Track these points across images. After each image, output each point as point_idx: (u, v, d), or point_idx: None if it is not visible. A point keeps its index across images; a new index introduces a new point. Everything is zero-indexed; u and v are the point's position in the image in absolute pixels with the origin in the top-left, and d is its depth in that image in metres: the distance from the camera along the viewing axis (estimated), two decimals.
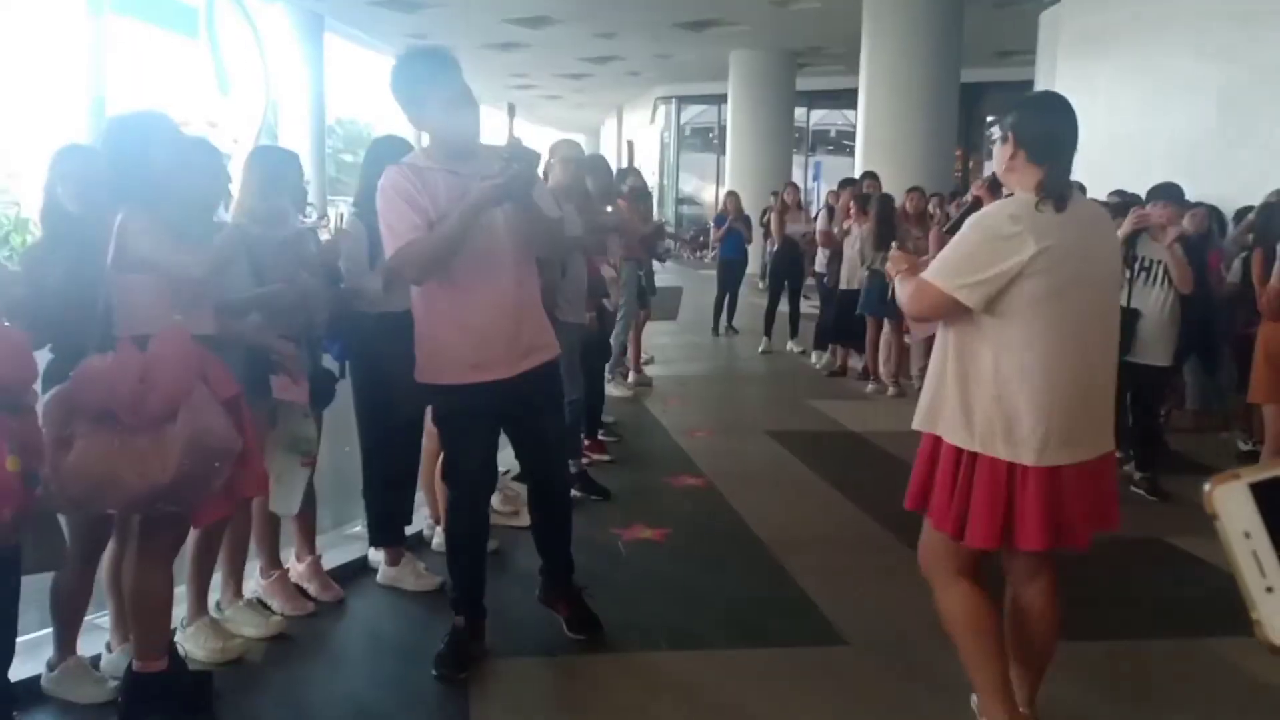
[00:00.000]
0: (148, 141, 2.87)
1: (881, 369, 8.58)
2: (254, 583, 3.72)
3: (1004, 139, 2.60)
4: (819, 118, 26.56)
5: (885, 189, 9.02)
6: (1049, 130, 2.56)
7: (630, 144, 15.92)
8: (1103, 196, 6.23)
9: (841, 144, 25.74)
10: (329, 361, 3.92)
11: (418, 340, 3.23)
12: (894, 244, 3.11)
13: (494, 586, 3.51)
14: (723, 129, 24.02)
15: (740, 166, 21.19)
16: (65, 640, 3.05)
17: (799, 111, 23.45)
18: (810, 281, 10.72)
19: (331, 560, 4.07)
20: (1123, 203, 6.25)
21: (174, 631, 3.15)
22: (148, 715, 2.84)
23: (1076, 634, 3.04)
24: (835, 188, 10.41)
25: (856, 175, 10.53)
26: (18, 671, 2.70)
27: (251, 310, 3.28)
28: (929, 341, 3.25)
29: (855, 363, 9.33)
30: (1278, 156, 7.48)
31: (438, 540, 4.33)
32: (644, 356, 9.14)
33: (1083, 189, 2.69)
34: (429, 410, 3.87)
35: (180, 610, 3.28)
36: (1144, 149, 8.92)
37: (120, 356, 2.64)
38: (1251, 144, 7.95)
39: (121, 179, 2.87)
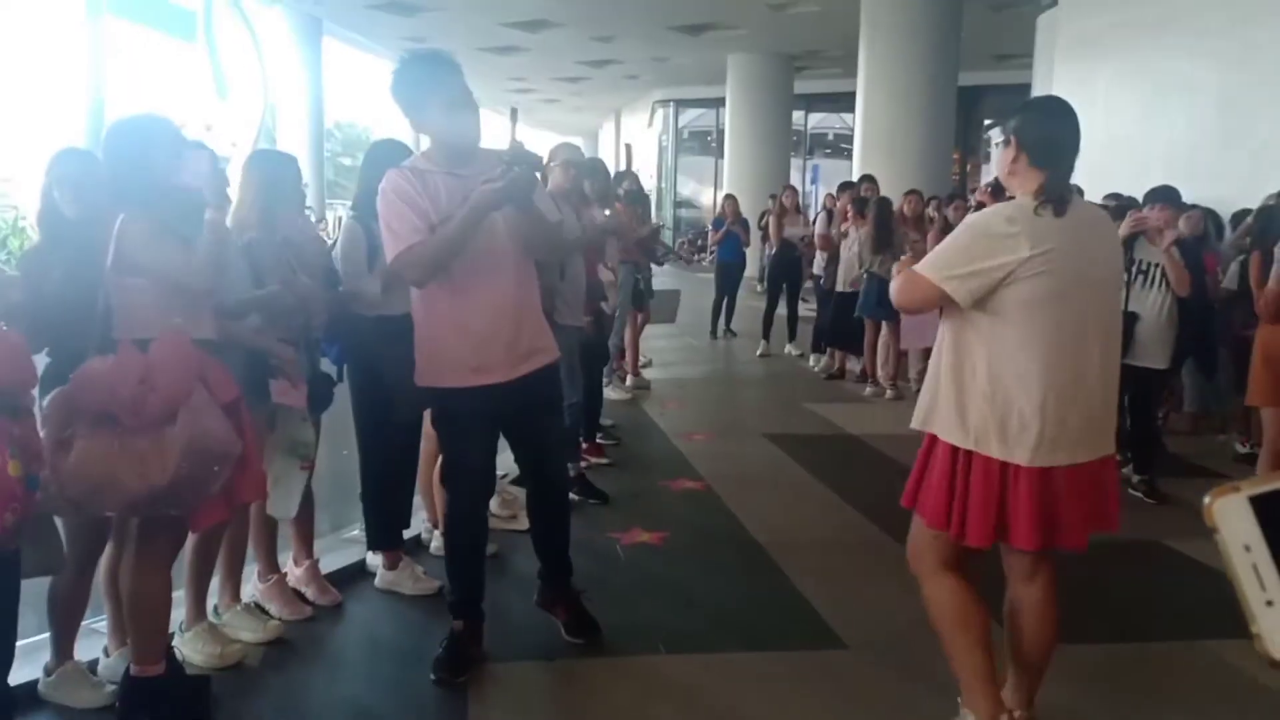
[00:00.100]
0: (148, 145, 2.87)
1: (880, 372, 8.58)
2: (251, 587, 3.72)
3: (1006, 142, 2.62)
4: (817, 121, 26.58)
5: (883, 192, 9.02)
6: (1051, 135, 2.57)
7: (628, 147, 15.93)
8: (1099, 199, 6.23)
9: (839, 147, 25.75)
10: (327, 365, 3.92)
11: (418, 343, 3.23)
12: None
13: (492, 590, 3.51)
14: (721, 132, 24.03)
15: (738, 170, 21.20)
16: (62, 644, 3.04)
17: (797, 115, 23.48)
18: (808, 284, 10.73)
19: (329, 564, 4.07)
20: (1120, 206, 6.25)
21: (172, 636, 3.14)
22: None
23: (1075, 636, 3.04)
24: (834, 191, 10.42)
25: (855, 178, 10.54)
26: (15, 676, 2.69)
27: (250, 313, 3.28)
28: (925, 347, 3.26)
29: (853, 365, 9.33)
30: (1275, 159, 7.48)
31: (436, 544, 4.33)
32: (642, 359, 9.14)
33: (1080, 192, 2.69)
34: (427, 413, 3.87)
35: (178, 614, 3.28)
36: (1142, 152, 8.93)
37: (121, 358, 2.64)
38: (1249, 146, 7.96)
39: (121, 182, 2.87)
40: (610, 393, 7.56)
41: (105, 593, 3.18)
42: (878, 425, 7.25)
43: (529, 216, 3.12)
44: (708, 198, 27.53)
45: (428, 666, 3.25)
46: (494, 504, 4.27)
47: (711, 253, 13.75)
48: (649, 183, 26.07)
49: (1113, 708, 3.16)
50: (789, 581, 4.18)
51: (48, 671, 3.03)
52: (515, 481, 4.65)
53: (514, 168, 2.93)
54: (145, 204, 2.82)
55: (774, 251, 10.94)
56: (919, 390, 2.78)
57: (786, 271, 10.71)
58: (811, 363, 10.07)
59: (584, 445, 5.77)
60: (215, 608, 3.52)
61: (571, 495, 4.28)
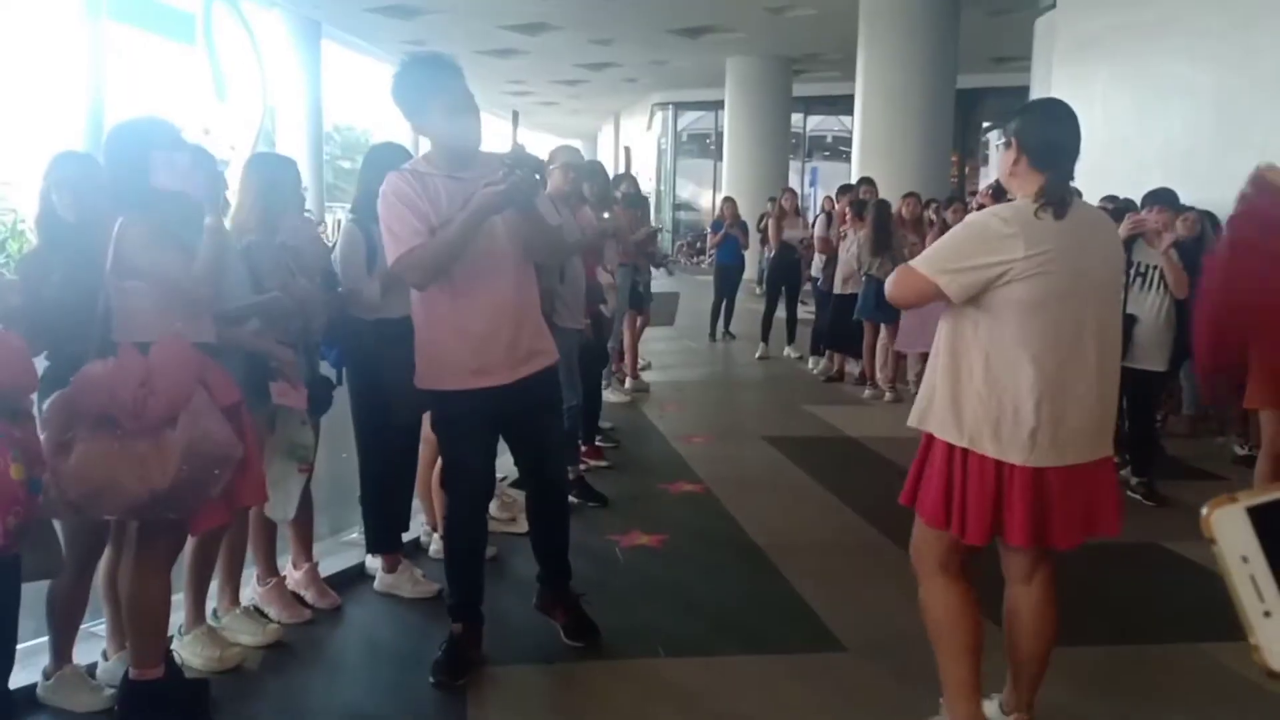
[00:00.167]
0: (148, 148, 2.87)
1: (878, 374, 8.58)
2: (251, 590, 3.72)
3: (1007, 144, 2.63)
4: (815, 123, 26.59)
5: (881, 194, 9.02)
6: (1052, 137, 2.58)
7: (627, 150, 15.94)
8: (1096, 201, 6.23)
9: (838, 150, 25.77)
10: (326, 368, 3.91)
11: (418, 346, 3.23)
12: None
13: (492, 593, 3.50)
14: (719, 135, 24.04)
15: (737, 172, 21.21)
16: (61, 648, 3.04)
17: (795, 117, 23.47)
18: (807, 287, 10.73)
19: (328, 567, 4.07)
20: (1117, 208, 6.26)
21: (171, 639, 3.14)
22: None
23: (1074, 638, 3.04)
24: (834, 193, 10.42)
25: (853, 181, 10.54)
26: (13, 680, 2.69)
27: (250, 318, 3.28)
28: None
29: (852, 368, 9.33)
30: (1274, 161, 7.47)
31: (435, 547, 4.33)
32: (641, 362, 9.14)
33: (1079, 194, 2.70)
34: (426, 417, 3.87)
35: (177, 617, 3.28)
36: (1139, 154, 8.92)
37: (121, 361, 2.64)
38: (1246, 149, 7.93)
39: (121, 185, 2.87)
40: (609, 395, 7.56)
41: (104, 596, 3.17)
42: (877, 427, 7.25)
43: (530, 219, 3.12)
44: (706, 200, 27.53)
45: (427, 669, 3.24)
46: (493, 507, 4.26)
47: (710, 255, 13.74)
48: (648, 185, 26.08)
49: (1111, 710, 3.16)
50: (788, 584, 4.18)
51: (46, 675, 3.03)
52: (515, 484, 4.65)
53: (516, 171, 2.94)
54: (145, 207, 2.82)
55: (773, 254, 10.95)
56: (918, 392, 2.79)
57: (785, 274, 10.71)
58: (810, 365, 10.07)
59: (583, 448, 5.77)
60: (214, 611, 3.52)
61: (570, 498, 4.28)
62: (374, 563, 4.10)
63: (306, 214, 4.28)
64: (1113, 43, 9.76)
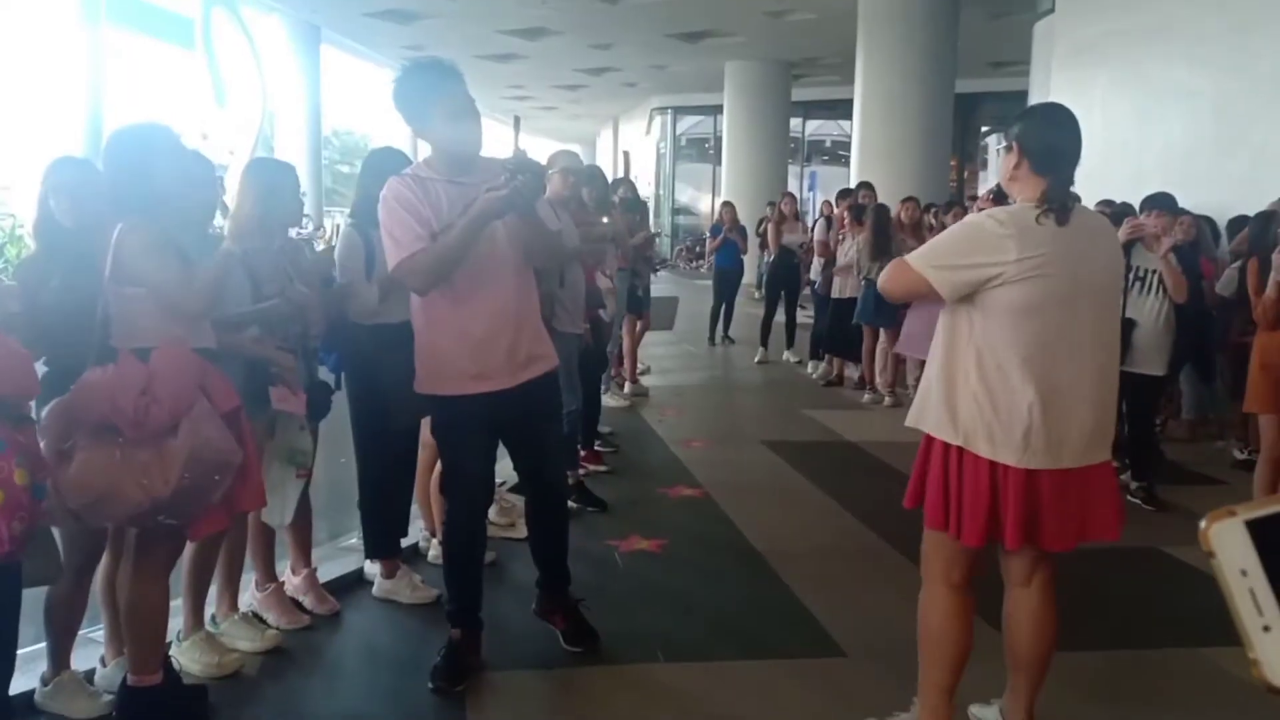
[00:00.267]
0: (149, 153, 2.88)
1: (878, 379, 8.58)
2: (249, 596, 3.71)
3: (1009, 148, 2.63)
4: (814, 128, 26.64)
5: (880, 199, 9.03)
6: (1054, 142, 2.59)
7: (626, 155, 15.94)
8: (1093, 206, 6.23)
9: (837, 154, 25.81)
10: (325, 373, 3.91)
11: (418, 351, 3.23)
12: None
13: (491, 598, 3.50)
14: (718, 139, 24.07)
15: (736, 177, 21.24)
16: (59, 654, 3.03)
17: (794, 122, 23.51)
18: (807, 291, 10.73)
19: (327, 573, 4.06)
20: (1115, 213, 6.26)
21: (169, 645, 3.13)
22: None
23: (1073, 643, 3.03)
24: (833, 198, 10.43)
25: (852, 185, 10.55)
26: (11, 686, 2.68)
27: (250, 323, 3.28)
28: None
29: (851, 372, 9.33)
30: (1272, 165, 7.49)
31: (434, 552, 4.32)
32: (640, 367, 9.13)
33: (1078, 199, 2.70)
34: (425, 422, 3.87)
35: (175, 623, 3.27)
36: (1138, 158, 8.93)
37: (122, 369, 2.64)
38: (1245, 153, 7.97)
39: (121, 190, 2.87)
40: (608, 400, 7.56)
41: (102, 602, 3.17)
42: (876, 432, 7.25)
43: (530, 225, 3.12)
44: (705, 205, 27.56)
45: (425, 675, 3.23)
46: (492, 512, 4.25)
47: (709, 260, 13.74)
48: (647, 190, 26.10)
49: (1111, 714, 3.15)
50: (787, 589, 4.18)
51: (44, 681, 3.02)
52: (514, 489, 4.64)
53: (517, 176, 2.93)
54: (145, 212, 2.82)
55: (772, 259, 10.95)
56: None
57: (785, 279, 10.72)
58: (810, 369, 10.08)
59: (582, 453, 5.76)
60: (213, 617, 3.51)
61: (570, 503, 4.27)
62: (373, 568, 4.09)
63: (306, 218, 4.28)
64: (1111, 47, 9.77)
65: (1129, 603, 4.10)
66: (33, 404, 2.66)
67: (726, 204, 12.65)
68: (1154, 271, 5.26)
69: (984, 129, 24.29)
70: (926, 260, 2.58)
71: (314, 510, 3.89)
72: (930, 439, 2.66)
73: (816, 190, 23.58)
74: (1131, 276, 5.27)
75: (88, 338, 2.78)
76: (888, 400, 8.39)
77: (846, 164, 16.96)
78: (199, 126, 12.21)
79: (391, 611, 3.93)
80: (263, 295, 3.33)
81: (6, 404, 2.44)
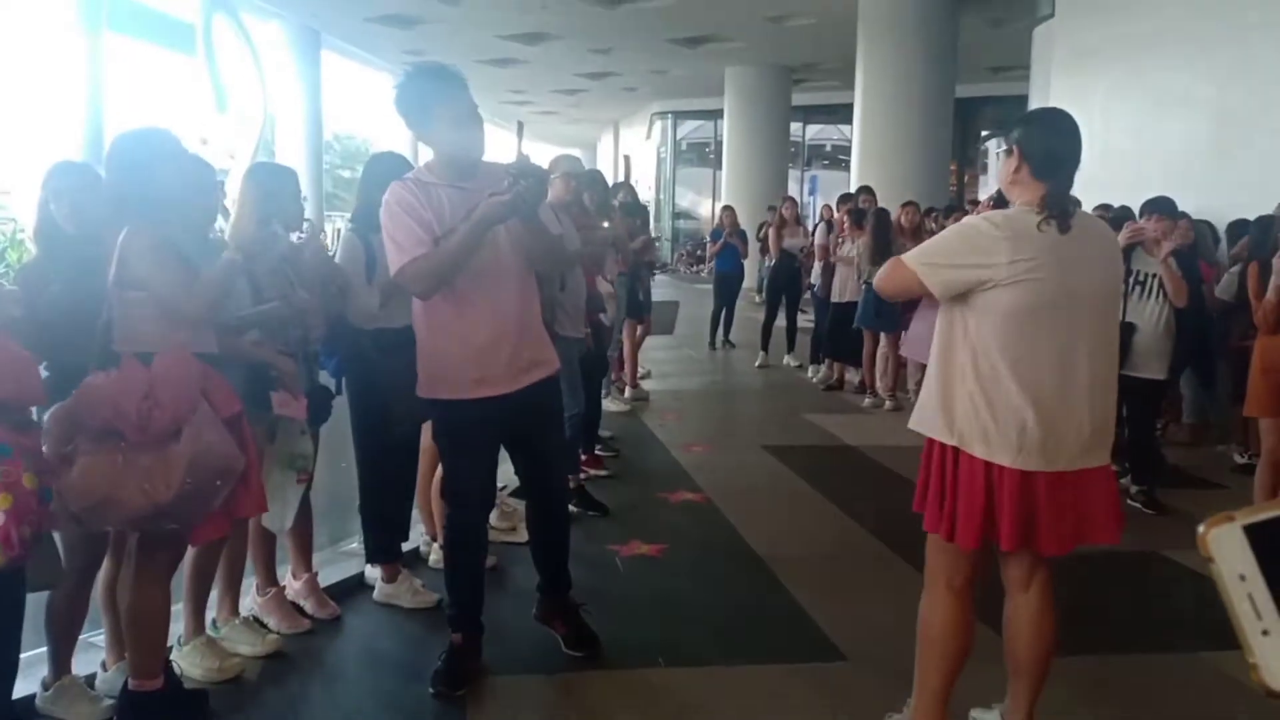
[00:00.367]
0: (152, 158, 2.88)
1: (878, 383, 8.58)
2: (250, 600, 3.71)
3: (1009, 152, 2.64)
4: (814, 132, 26.67)
5: (880, 203, 9.04)
6: (1054, 147, 2.60)
7: (627, 159, 15.93)
8: (1091, 210, 6.24)
9: (837, 158, 25.84)
10: (325, 378, 3.91)
11: (420, 356, 3.23)
12: None
13: (492, 603, 3.49)
14: (719, 144, 24.10)
15: (736, 181, 21.26)
16: (60, 659, 3.03)
17: (794, 126, 23.54)
18: (807, 295, 10.73)
19: (328, 577, 4.06)
20: (1114, 217, 6.26)
21: (170, 650, 3.13)
22: None
23: (1073, 648, 3.03)
24: (834, 202, 10.43)
25: (852, 189, 10.56)
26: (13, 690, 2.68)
27: (251, 327, 3.28)
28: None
29: (852, 377, 9.33)
30: (1272, 169, 7.49)
31: (434, 557, 4.32)
32: (641, 371, 9.14)
33: (1078, 204, 2.71)
34: (426, 427, 3.87)
35: (176, 628, 3.27)
36: (1138, 163, 8.93)
37: (125, 373, 2.64)
38: (1246, 157, 7.97)
39: (124, 195, 2.87)
40: (609, 404, 7.56)
41: (103, 606, 3.17)
42: (877, 436, 7.25)
43: (533, 229, 3.12)
44: (706, 209, 27.60)
45: (426, 680, 3.23)
46: (493, 516, 4.25)
47: (709, 264, 13.76)
48: (647, 194, 26.12)
49: (1111, 719, 3.15)
50: (788, 593, 4.17)
51: (45, 686, 3.02)
52: (515, 493, 4.64)
53: (521, 181, 2.94)
54: (148, 217, 2.82)
55: (773, 263, 10.96)
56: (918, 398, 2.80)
57: (786, 283, 10.72)
58: (810, 374, 10.08)
59: (583, 457, 5.76)
60: (214, 621, 3.51)
61: (571, 507, 4.27)
62: (373, 573, 4.09)
63: (307, 222, 4.28)
64: (1111, 52, 9.78)
65: (1129, 607, 4.10)
66: (33, 408, 2.67)
67: (727, 208, 12.66)
68: (1154, 276, 5.26)
69: (984, 134, 24.31)
70: (920, 258, 2.61)
71: (315, 515, 3.89)
72: (931, 441, 2.67)
73: (817, 194, 23.58)
74: (1131, 281, 5.27)
75: (88, 342, 2.78)
76: (888, 404, 8.39)
77: (847, 168, 16.97)
78: (199, 131, 12.22)
79: (392, 616, 3.92)
80: (263, 299, 3.33)
81: (11, 408, 2.45)
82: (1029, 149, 2.59)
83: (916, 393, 3.18)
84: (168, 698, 2.89)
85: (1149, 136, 9.15)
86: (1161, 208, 5.47)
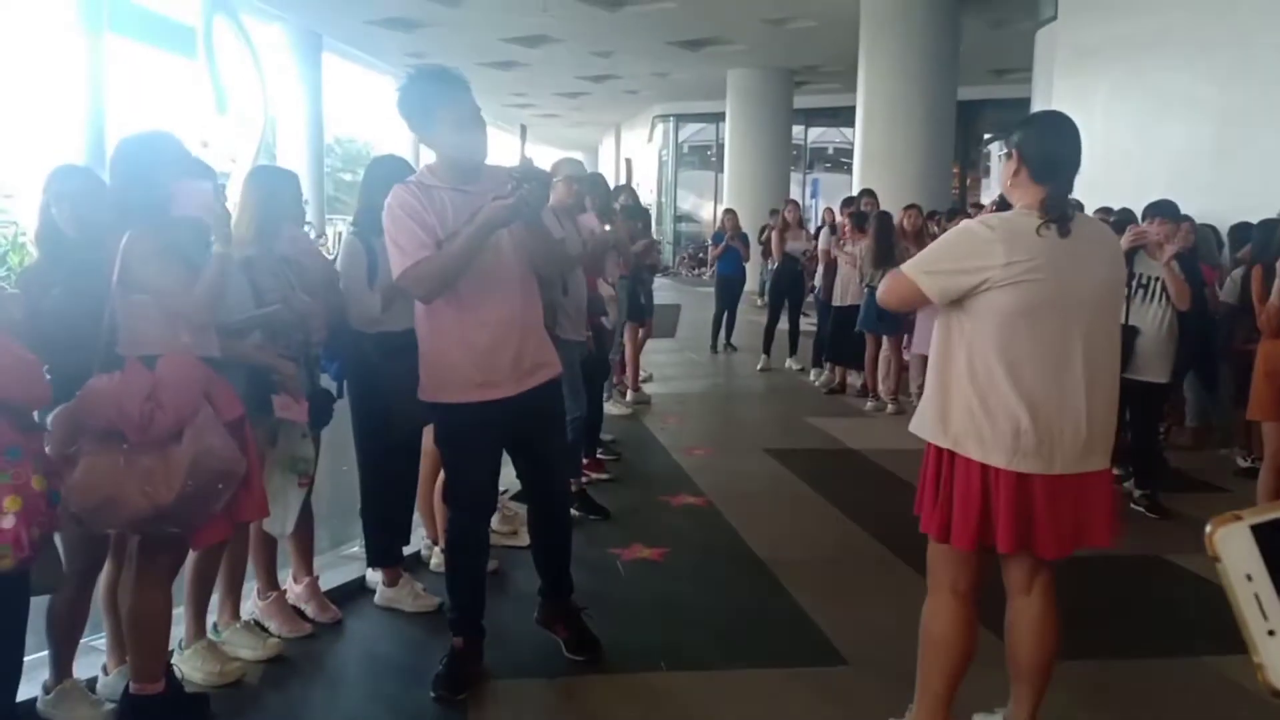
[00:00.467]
0: (155, 162, 2.88)
1: (880, 386, 8.58)
2: (251, 604, 3.70)
3: (1009, 155, 2.64)
4: (816, 135, 26.66)
5: (882, 206, 9.04)
6: (1053, 150, 2.60)
7: (629, 162, 15.94)
8: (1092, 213, 6.23)
9: (839, 161, 25.84)
10: (327, 381, 3.91)
11: (422, 359, 3.23)
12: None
13: (493, 607, 3.49)
14: (720, 147, 24.11)
15: (738, 184, 21.25)
16: (61, 662, 3.03)
17: (796, 129, 23.54)
18: (810, 299, 10.73)
19: (329, 581, 4.06)
20: (1117, 220, 6.26)
21: (171, 653, 3.13)
22: None
23: (1076, 652, 3.03)
24: (836, 205, 10.43)
25: (855, 192, 10.56)
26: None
27: (252, 331, 3.28)
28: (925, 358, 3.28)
29: (854, 380, 9.33)
30: (1275, 172, 7.49)
31: (436, 561, 4.31)
32: (642, 374, 9.13)
33: (1080, 207, 2.72)
34: (428, 430, 3.87)
35: (177, 632, 3.27)
36: (1141, 165, 8.93)
37: (128, 375, 2.65)
38: (1248, 160, 7.97)
39: (127, 199, 2.87)
40: (610, 408, 7.56)
41: (104, 610, 3.17)
42: (879, 440, 7.24)
43: (535, 233, 3.12)
44: (708, 212, 27.60)
45: (428, 684, 3.23)
46: (495, 520, 4.25)
47: (711, 267, 13.76)
48: (649, 197, 26.14)
49: None
50: (790, 597, 4.17)
51: (46, 689, 3.01)
52: (516, 497, 4.64)
53: (524, 185, 2.94)
54: (151, 220, 2.82)
55: (776, 266, 10.96)
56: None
57: (788, 286, 10.71)
58: (812, 377, 10.07)
59: (585, 461, 5.76)
60: (215, 625, 3.51)
61: (572, 511, 4.27)
62: (375, 576, 4.09)
63: (308, 225, 4.28)
64: (1113, 54, 9.78)
65: (1132, 611, 4.09)
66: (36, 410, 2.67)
67: (728, 211, 12.66)
68: (1157, 279, 5.26)
69: (986, 136, 24.30)
70: (917, 267, 2.61)
71: (316, 518, 3.89)
72: (931, 445, 2.67)
73: (819, 198, 23.59)
74: (1134, 284, 5.27)
75: (90, 345, 2.78)
76: (890, 408, 8.38)
77: (849, 171, 16.99)
78: (200, 134, 12.23)
79: (393, 620, 3.92)
80: (264, 303, 3.33)
81: (18, 411, 2.45)
82: (1028, 152, 2.59)
83: (918, 396, 3.18)
84: (169, 701, 2.89)
85: (1151, 138, 9.16)
86: (1164, 211, 5.47)
